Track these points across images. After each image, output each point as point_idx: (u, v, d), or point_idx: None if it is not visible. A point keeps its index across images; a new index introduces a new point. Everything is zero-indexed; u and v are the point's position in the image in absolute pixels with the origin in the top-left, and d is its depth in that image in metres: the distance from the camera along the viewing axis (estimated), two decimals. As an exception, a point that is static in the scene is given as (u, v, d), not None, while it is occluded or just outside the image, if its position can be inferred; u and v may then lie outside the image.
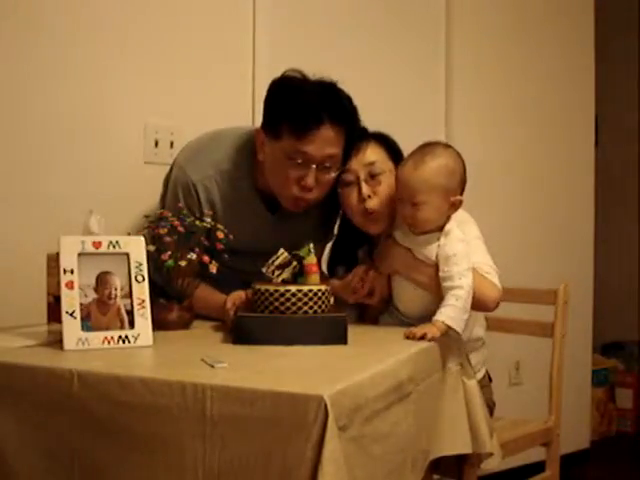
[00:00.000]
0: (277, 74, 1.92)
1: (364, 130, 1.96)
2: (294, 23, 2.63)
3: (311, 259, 1.66)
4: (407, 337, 1.64)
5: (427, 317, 1.72)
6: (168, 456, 1.25)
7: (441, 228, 1.79)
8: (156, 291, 1.71)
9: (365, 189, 1.87)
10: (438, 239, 1.78)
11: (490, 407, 2.00)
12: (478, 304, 1.76)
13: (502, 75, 3.17)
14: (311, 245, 1.69)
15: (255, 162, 1.94)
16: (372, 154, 1.90)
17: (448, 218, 1.80)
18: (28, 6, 2.08)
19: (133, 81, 2.26)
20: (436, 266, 1.76)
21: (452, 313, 1.68)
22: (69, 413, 1.33)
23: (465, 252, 1.75)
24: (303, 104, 1.81)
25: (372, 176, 1.88)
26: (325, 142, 1.82)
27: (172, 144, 2.32)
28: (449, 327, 1.67)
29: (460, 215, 1.84)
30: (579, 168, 3.46)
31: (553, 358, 2.26)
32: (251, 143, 1.95)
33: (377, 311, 1.95)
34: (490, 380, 2.15)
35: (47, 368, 1.38)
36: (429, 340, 1.63)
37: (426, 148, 1.80)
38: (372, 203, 1.87)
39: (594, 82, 3.50)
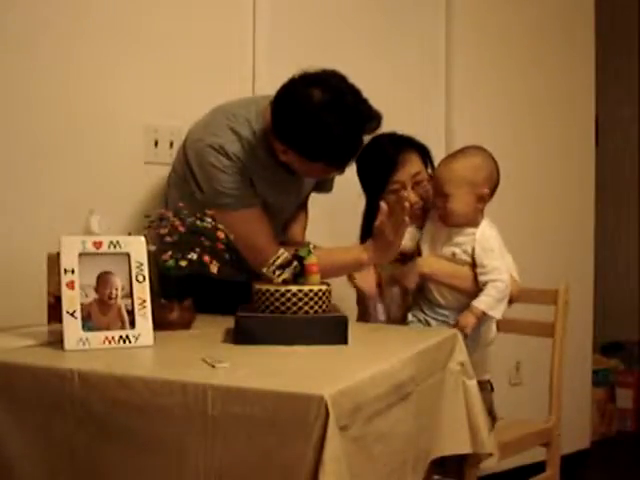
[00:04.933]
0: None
1: (399, 139, 2.12)
2: (294, 24, 2.63)
3: (311, 259, 1.66)
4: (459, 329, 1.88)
5: (460, 307, 1.99)
6: (169, 456, 1.25)
7: (477, 224, 2.01)
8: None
9: (413, 198, 2.09)
10: (474, 233, 1.99)
11: (492, 418, 2.01)
12: None
13: (502, 75, 3.17)
14: (311, 245, 1.70)
15: (269, 132, 1.94)
16: (415, 165, 2.11)
17: (481, 215, 2.02)
18: (29, 6, 2.08)
19: (133, 81, 2.26)
20: (469, 266, 1.98)
21: (490, 301, 1.94)
22: (70, 413, 1.33)
23: (501, 250, 2.00)
24: (340, 149, 1.84)
25: (416, 183, 2.11)
26: (356, 156, 1.93)
27: (172, 144, 2.32)
28: (484, 313, 1.93)
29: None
30: (579, 168, 3.46)
31: (553, 358, 2.26)
32: (262, 113, 1.96)
33: (405, 308, 2.10)
34: (492, 389, 2.16)
35: (48, 368, 1.38)
36: (468, 330, 1.91)
37: (461, 150, 2.06)
38: (418, 205, 2.11)
39: (594, 82, 3.50)
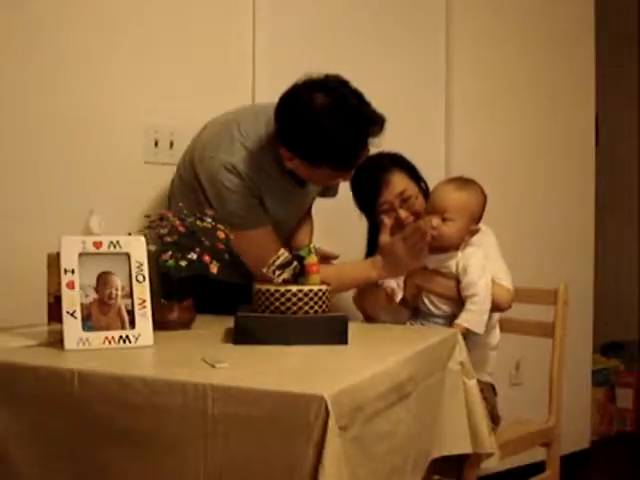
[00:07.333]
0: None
1: (382, 158, 2.15)
2: (294, 23, 2.63)
3: (312, 259, 1.66)
4: None
5: (452, 315, 2.01)
6: (169, 456, 1.25)
7: (457, 248, 2.02)
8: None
9: (403, 214, 2.14)
10: (457, 256, 2.01)
11: (493, 418, 2.01)
12: (493, 306, 2.00)
13: (502, 75, 3.17)
14: (312, 245, 1.70)
15: (276, 144, 1.93)
16: (399, 184, 2.16)
17: (465, 242, 2.03)
18: (28, 6, 2.08)
19: (133, 81, 2.26)
20: (454, 278, 2.00)
21: (469, 317, 1.94)
22: (70, 413, 1.33)
23: (480, 264, 1.99)
24: (343, 151, 1.83)
25: (404, 201, 2.15)
26: (361, 160, 1.92)
27: (172, 144, 2.32)
28: (467, 329, 1.92)
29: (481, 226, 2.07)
30: (579, 168, 3.47)
31: (553, 358, 2.26)
32: (271, 123, 1.94)
33: (405, 317, 2.10)
34: (495, 393, 2.16)
35: (48, 368, 1.38)
36: None
37: (468, 182, 2.05)
38: (410, 220, 2.13)
39: (594, 82, 3.50)
